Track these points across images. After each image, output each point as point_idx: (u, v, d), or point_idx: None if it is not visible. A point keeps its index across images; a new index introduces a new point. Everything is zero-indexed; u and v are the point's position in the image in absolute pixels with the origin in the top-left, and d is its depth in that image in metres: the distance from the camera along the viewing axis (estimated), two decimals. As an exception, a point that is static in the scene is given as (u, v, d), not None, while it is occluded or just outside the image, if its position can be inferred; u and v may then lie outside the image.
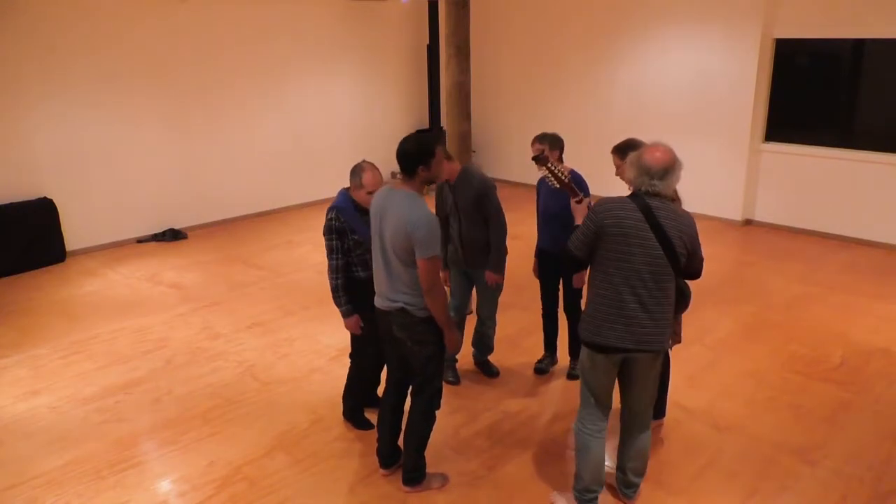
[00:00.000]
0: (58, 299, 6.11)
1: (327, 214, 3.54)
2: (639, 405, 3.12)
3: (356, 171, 3.52)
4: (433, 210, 3.23)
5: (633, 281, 2.82)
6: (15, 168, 6.76)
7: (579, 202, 3.15)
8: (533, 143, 4.21)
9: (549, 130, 4.33)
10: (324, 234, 3.56)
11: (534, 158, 3.26)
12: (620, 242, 2.80)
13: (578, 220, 3.11)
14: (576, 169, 4.17)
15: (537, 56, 9.64)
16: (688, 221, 2.88)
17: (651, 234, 2.77)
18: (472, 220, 4.12)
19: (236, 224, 8.49)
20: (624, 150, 3.52)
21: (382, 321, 3.25)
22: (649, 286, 2.82)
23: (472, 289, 4.41)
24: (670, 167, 2.81)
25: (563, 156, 4.32)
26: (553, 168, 3.19)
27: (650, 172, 2.80)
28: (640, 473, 3.27)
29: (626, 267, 2.81)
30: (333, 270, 3.55)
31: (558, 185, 3.20)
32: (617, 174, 3.61)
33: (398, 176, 3.12)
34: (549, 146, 4.15)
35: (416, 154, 3.00)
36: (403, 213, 2.96)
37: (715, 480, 3.48)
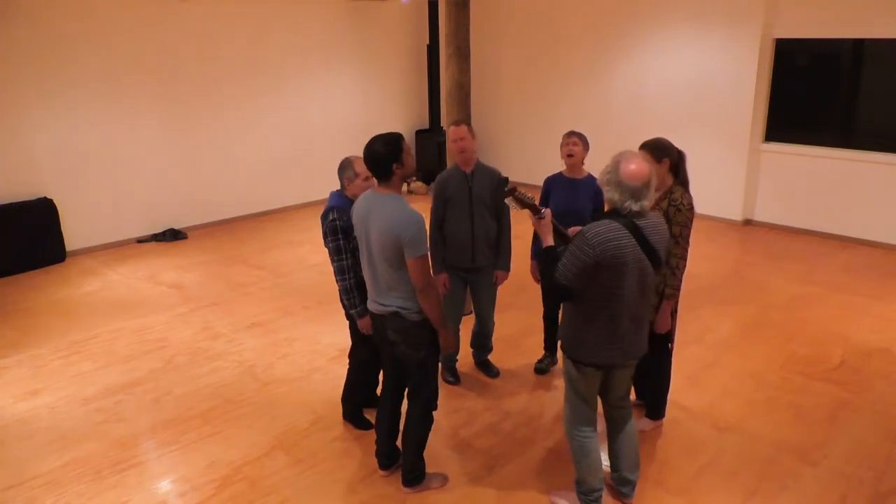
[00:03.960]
0: (58, 299, 6.11)
1: (327, 217, 3.49)
2: (617, 398, 3.17)
3: (346, 166, 3.58)
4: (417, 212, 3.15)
5: (628, 304, 2.82)
6: (15, 168, 6.76)
7: (541, 218, 3.01)
8: (569, 142, 4.09)
9: (552, 130, 4.30)
10: (327, 237, 3.49)
11: (506, 190, 3.16)
12: (619, 272, 2.73)
13: (546, 240, 2.97)
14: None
15: (537, 56, 9.63)
16: (664, 227, 2.91)
17: (643, 254, 2.77)
18: (487, 211, 4.06)
19: (236, 224, 8.49)
20: (660, 151, 3.40)
21: (376, 324, 3.26)
22: (637, 300, 2.85)
23: (466, 290, 4.36)
24: (649, 180, 2.75)
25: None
26: (519, 196, 3.09)
27: (636, 194, 2.71)
28: (635, 467, 3.27)
29: (620, 294, 2.78)
30: (344, 271, 3.48)
31: (520, 208, 3.10)
32: None
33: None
34: (583, 146, 4.10)
35: (387, 153, 2.94)
36: (389, 214, 2.93)
37: (715, 480, 3.48)
